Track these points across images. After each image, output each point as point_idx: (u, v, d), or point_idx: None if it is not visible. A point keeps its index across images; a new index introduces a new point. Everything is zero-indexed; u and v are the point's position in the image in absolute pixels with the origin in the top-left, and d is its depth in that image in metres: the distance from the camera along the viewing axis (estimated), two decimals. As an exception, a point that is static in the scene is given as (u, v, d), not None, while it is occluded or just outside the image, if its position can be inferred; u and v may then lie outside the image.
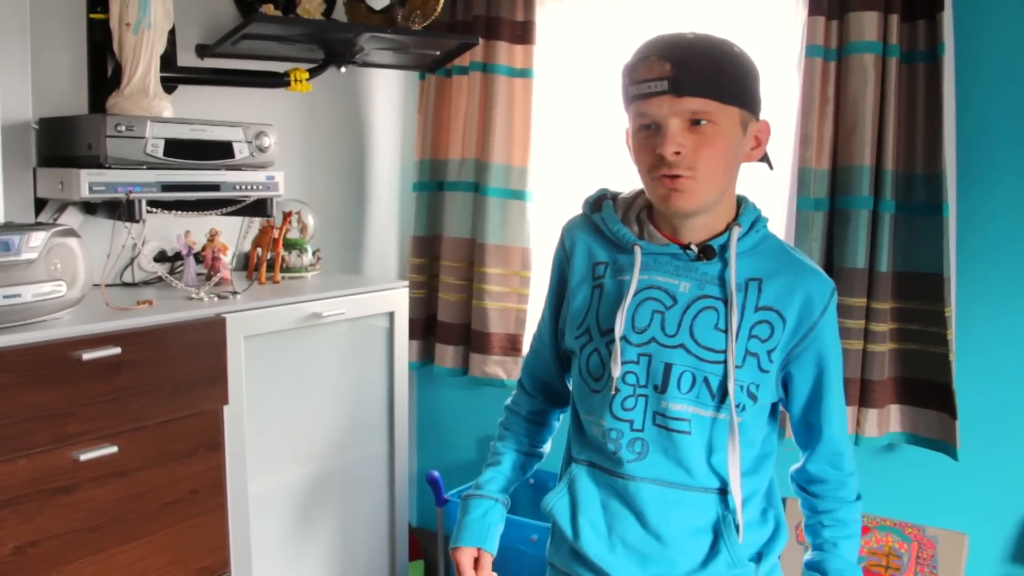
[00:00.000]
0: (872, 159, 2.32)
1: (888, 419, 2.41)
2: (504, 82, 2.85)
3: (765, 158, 1.39)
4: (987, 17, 2.25)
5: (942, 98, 2.21)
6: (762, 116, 1.35)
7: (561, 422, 1.61)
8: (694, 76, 1.24)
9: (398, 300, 2.51)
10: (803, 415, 1.41)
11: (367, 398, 2.51)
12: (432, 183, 3.05)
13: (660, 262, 1.37)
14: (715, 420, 1.32)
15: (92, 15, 2.18)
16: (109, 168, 1.95)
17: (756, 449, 1.39)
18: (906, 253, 2.35)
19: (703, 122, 1.26)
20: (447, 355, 3.05)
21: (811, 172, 2.37)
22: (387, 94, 3.11)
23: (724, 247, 1.34)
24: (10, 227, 1.73)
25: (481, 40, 2.76)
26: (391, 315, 2.50)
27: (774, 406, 1.42)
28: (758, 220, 1.38)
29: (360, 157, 3.05)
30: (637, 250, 1.37)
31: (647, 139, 1.29)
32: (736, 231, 1.34)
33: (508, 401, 1.63)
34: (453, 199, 2.98)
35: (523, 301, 2.96)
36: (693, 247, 1.35)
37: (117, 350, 1.80)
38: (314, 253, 2.59)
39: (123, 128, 1.96)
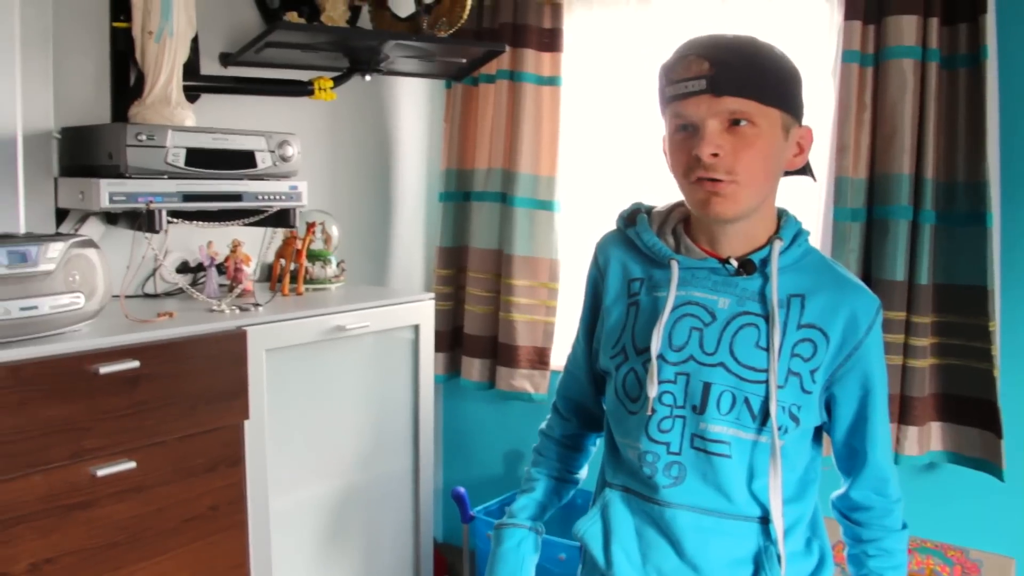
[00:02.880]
0: (911, 167, 2.24)
1: (929, 437, 2.33)
2: (532, 90, 2.80)
3: (807, 169, 1.33)
4: (1033, 20, 2.18)
5: (985, 104, 2.14)
6: (804, 122, 1.29)
7: (598, 447, 1.55)
8: (734, 75, 1.18)
9: (424, 312, 2.47)
10: (847, 439, 1.34)
11: (392, 412, 2.46)
12: (458, 193, 3.00)
13: (698, 277, 1.31)
14: (756, 443, 1.26)
15: (115, 23, 2.16)
16: (129, 178, 1.93)
17: (798, 475, 1.32)
18: (947, 265, 2.28)
19: (742, 123, 1.19)
20: (473, 368, 3.00)
21: (848, 181, 2.30)
22: (413, 103, 3.07)
23: (765, 261, 1.28)
24: (28, 238, 1.70)
25: (508, 47, 2.72)
26: (416, 328, 2.46)
27: (818, 430, 1.35)
28: (800, 234, 1.31)
29: (385, 167, 3.01)
30: (674, 264, 1.31)
31: (683, 141, 1.23)
32: (778, 245, 1.28)
33: (543, 425, 1.57)
34: (480, 209, 2.94)
35: (551, 313, 2.90)
36: (732, 261, 1.29)
37: (135, 363, 1.76)
38: (338, 264, 2.55)
39: (144, 137, 1.94)
